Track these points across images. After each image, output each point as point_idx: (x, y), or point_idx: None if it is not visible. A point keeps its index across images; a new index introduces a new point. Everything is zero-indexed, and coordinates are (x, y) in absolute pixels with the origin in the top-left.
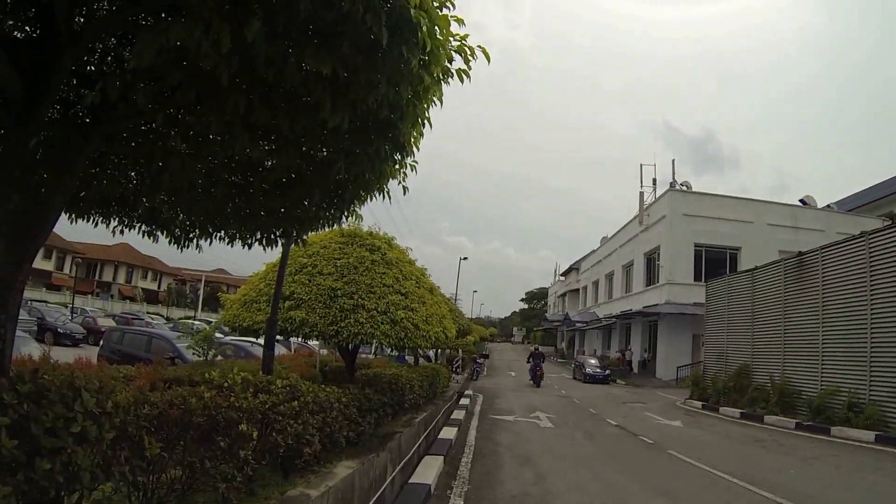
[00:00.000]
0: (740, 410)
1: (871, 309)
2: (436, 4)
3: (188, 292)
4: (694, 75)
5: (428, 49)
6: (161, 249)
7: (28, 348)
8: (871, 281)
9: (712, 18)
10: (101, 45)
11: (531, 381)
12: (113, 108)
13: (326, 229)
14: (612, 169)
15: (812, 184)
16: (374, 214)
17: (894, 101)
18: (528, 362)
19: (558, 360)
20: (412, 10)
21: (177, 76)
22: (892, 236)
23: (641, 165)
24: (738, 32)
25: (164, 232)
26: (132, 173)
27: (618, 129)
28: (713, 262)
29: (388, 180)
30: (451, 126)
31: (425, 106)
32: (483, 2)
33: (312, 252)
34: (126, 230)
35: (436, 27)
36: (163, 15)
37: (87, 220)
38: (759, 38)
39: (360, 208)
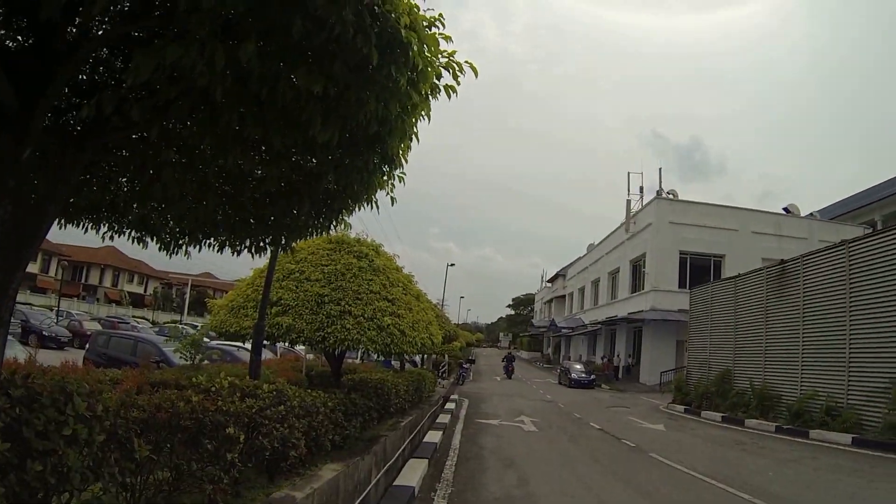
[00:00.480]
0: (722, 414)
1: (851, 315)
2: (425, 24)
3: (174, 296)
4: (682, 84)
5: (418, 68)
6: (147, 252)
7: (13, 351)
8: (851, 288)
9: (701, 29)
10: (93, 55)
11: (504, 374)
12: (107, 120)
13: (315, 237)
14: (602, 176)
15: (798, 191)
16: (362, 220)
17: (879, 112)
18: (503, 362)
19: (544, 365)
20: (402, 31)
21: (171, 91)
22: (871, 244)
23: (629, 174)
24: (727, 43)
25: (154, 238)
26: (123, 180)
27: (608, 137)
28: (698, 270)
29: (377, 191)
30: (443, 131)
31: (414, 121)
32: (475, 10)
33: (300, 258)
34: (116, 236)
35: (425, 46)
36: (157, 29)
37: (77, 226)
38: (747, 49)
39: (348, 217)
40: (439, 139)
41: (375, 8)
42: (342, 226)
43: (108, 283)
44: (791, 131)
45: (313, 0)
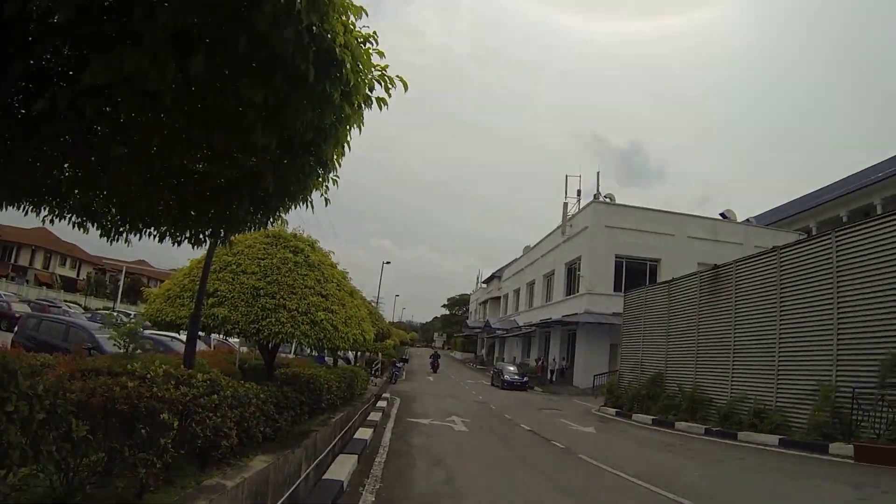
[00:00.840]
0: (652, 417)
1: (781, 320)
2: (360, 39)
3: (108, 282)
4: (623, 88)
5: (350, 83)
6: (80, 236)
7: None
8: (781, 293)
9: (645, 34)
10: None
11: (431, 369)
12: (59, 114)
13: (253, 231)
14: (541, 179)
15: (736, 197)
16: (300, 216)
17: (819, 120)
18: (430, 359)
19: (478, 366)
20: (337, 49)
21: (123, 92)
22: (800, 251)
23: (567, 176)
24: (670, 50)
25: (95, 224)
26: (66, 165)
27: (548, 140)
28: (633, 273)
29: (312, 192)
30: (384, 129)
31: (347, 128)
32: (420, 8)
33: (237, 251)
34: (57, 220)
35: (358, 62)
36: (111, 33)
37: (18, 208)
38: (689, 57)
39: (285, 214)
40: (379, 134)
41: (313, 28)
42: (279, 222)
43: (38, 265)
44: (731, 138)
45: (257, 20)
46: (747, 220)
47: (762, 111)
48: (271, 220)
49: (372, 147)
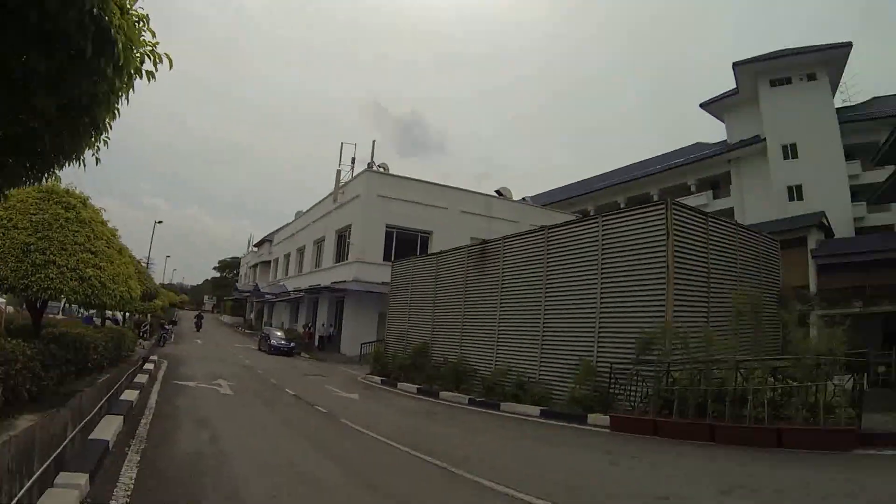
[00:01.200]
0: (417, 386)
1: (546, 297)
2: (136, 19)
3: None
4: (411, 60)
5: (121, 61)
6: None
7: None
8: (548, 271)
9: (436, 7)
10: None
11: (195, 328)
12: None
13: (27, 186)
14: (320, 143)
15: (518, 177)
16: (75, 172)
17: (604, 106)
18: (195, 319)
19: (246, 331)
20: (112, 30)
21: None
22: (569, 232)
23: (342, 143)
24: (461, 25)
25: None
26: None
27: (331, 104)
28: (405, 244)
29: (85, 151)
30: (164, 84)
31: (119, 96)
32: None
33: (9, 205)
34: None
35: (131, 41)
36: None
37: None
38: (481, 33)
39: (59, 171)
40: (157, 92)
41: (94, 11)
42: (53, 178)
43: None
44: (516, 118)
45: (48, 1)
46: (523, 198)
47: (550, 93)
48: (46, 175)
49: (151, 100)
